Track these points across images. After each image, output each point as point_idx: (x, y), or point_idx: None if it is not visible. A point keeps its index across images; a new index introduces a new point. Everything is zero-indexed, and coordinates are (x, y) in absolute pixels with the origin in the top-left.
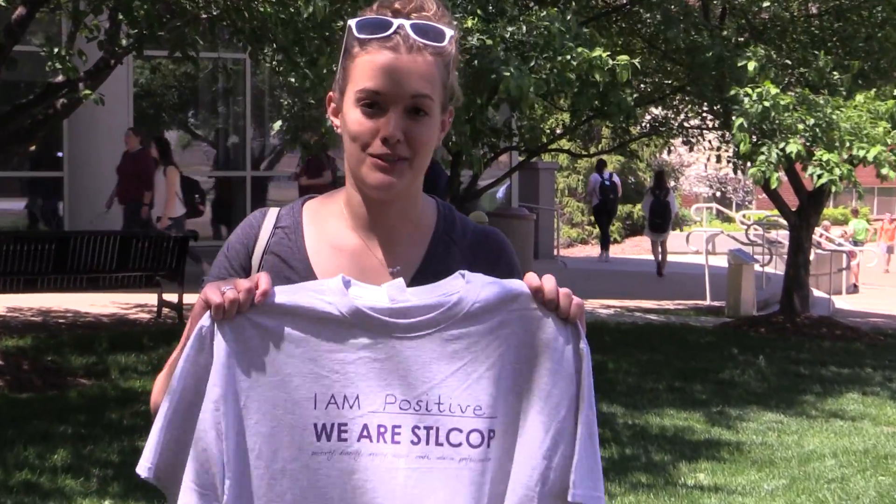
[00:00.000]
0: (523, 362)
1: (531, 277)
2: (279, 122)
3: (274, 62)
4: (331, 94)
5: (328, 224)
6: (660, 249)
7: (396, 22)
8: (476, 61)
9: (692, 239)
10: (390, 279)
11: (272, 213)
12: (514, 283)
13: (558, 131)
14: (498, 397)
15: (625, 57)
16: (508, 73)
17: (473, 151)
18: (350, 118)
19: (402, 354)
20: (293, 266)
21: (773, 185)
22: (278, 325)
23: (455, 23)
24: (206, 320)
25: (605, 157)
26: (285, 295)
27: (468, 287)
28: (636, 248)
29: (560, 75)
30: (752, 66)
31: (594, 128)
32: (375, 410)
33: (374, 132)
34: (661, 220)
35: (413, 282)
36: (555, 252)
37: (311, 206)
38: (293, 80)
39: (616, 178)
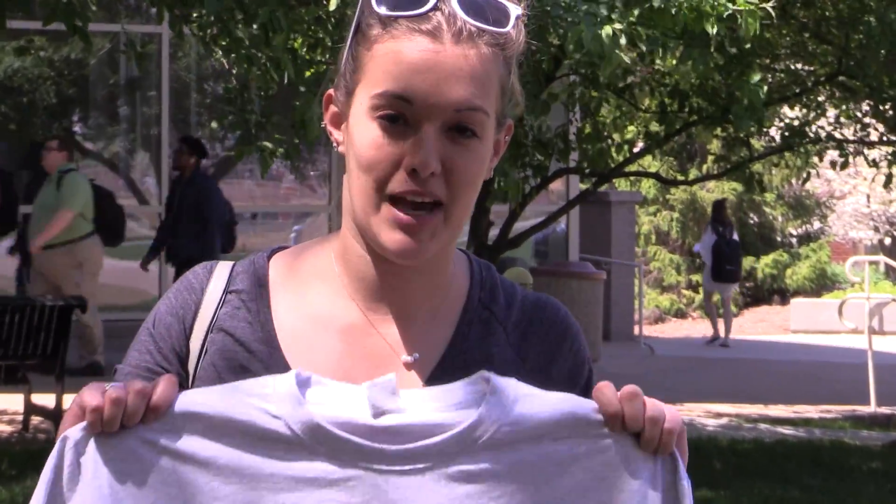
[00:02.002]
0: None
1: (605, 393)
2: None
3: (206, 33)
4: (330, 91)
5: (310, 288)
6: (721, 308)
7: None
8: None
9: (848, 310)
10: (401, 369)
11: (222, 269)
12: (568, 400)
13: (639, 146)
14: None
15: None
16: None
17: (511, 175)
18: (361, 135)
19: (385, 497)
20: (253, 350)
21: None
22: (195, 448)
23: None
24: (75, 432)
25: (713, 184)
26: (208, 400)
27: (493, 401)
28: (761, 324)
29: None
30: None
31: (694, 139)
32: None
33: (396, 160)
34: (732, 266)
35: (433, 378)
36: (636, 330)
37: (282, 260)
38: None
39: (736, 236)
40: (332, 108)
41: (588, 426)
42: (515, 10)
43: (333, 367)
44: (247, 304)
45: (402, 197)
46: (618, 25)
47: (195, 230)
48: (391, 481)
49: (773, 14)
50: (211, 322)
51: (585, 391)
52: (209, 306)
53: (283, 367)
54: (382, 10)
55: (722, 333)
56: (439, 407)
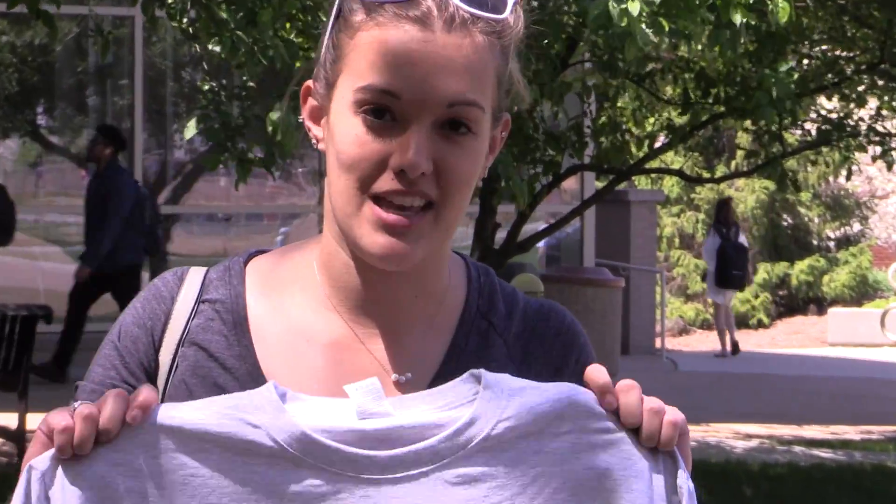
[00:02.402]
0: None
1: (595, 373)
2: (193, 123)
3: (183, 21)
4: (309, 83)
5: (291, 297)
6: (727, 315)
7: None
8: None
9: (891, 320)
10: (392, 388)
11: (194, 276)
12: (565, 389)
13: (661, 140)
14: None
15: None
16: None
17: (516, 178)
18: (343, 131)
19: None
20: (228, 367)
21: None
22: (170, 467)
23: None
24: (42, 462)
25: (742, 182)
26: (184, 414)
27: (487, 397)
28: (795, 336)
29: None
30: None
31: (722, 133)
32: None
33: (382, 158)
34: (739, 272)
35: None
36: (657, 343)
37: (259, 266)
38: (216, 48)
39: (743, 238)
40: (311, 102)
41: (588, 418)
42: None
43: (317, 385)
44: (221, 314)
45: (389, 199)
46: (645, 8)
47: (97, 230)
48: (384, 490)
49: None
50: (182, 334)
51: None
52: (180, 317)
53: (262, 385)
54: None
55: (728, 346)
56: (430, 409)
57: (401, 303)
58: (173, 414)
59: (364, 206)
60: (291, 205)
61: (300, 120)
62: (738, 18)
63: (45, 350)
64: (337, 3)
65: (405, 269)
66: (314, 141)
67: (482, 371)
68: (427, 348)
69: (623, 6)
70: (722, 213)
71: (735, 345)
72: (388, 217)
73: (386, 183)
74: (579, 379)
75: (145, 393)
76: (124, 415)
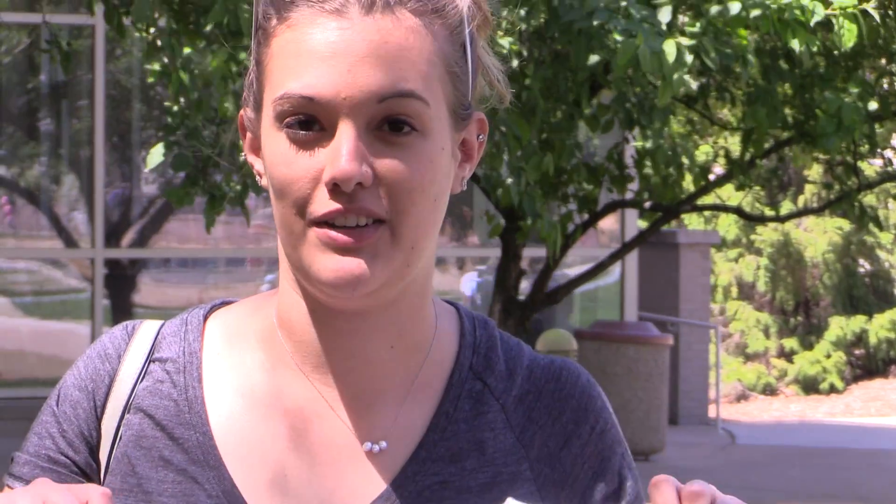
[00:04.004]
0: None
1: (661, 492)
2: (159, 149)
3: (149, 31)
4: (242, 112)
5: (251, 356)
6: None
7: None
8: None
9: None
10: (364, 462)
11: (146, 330)
12: None
13: (717, 170)
14: None
15: None
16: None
17: (546, 217)
18: (270, 152)
19: None
20: (177, 437)
21: None
22: None
23: None
24: None
25: (812, 222)
26: None
27: None
28: (873, 404)
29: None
30: None
31: (788, 163)
32: None
33: (313, 175)
34: None
35: (406, 473)
36: (711, 412)
37: (222, 320)
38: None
39: None
40: (248, 134)
41: None
42: None
43: (279, 458)
44: (172, 376)
45: (329, 220)
46: (684, 41)
47: None
48: None
49: (877, 15)
50: (128, 399)
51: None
52: (127, 379)
53: (214, 458)
54: None
55: None
56: None
57: (374, 357)
58: None
59: (307, 232)
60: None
61: (243, 156)
62: (795, 44)
63: None
64: (255, 18)
65: (369, 303)
66: (258, 177)
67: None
68: (408, 414)
69: (656, 48)
70: None
71: None
72: (335, 236)
73: (322, 204)
74: (595, 453)
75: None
76: None
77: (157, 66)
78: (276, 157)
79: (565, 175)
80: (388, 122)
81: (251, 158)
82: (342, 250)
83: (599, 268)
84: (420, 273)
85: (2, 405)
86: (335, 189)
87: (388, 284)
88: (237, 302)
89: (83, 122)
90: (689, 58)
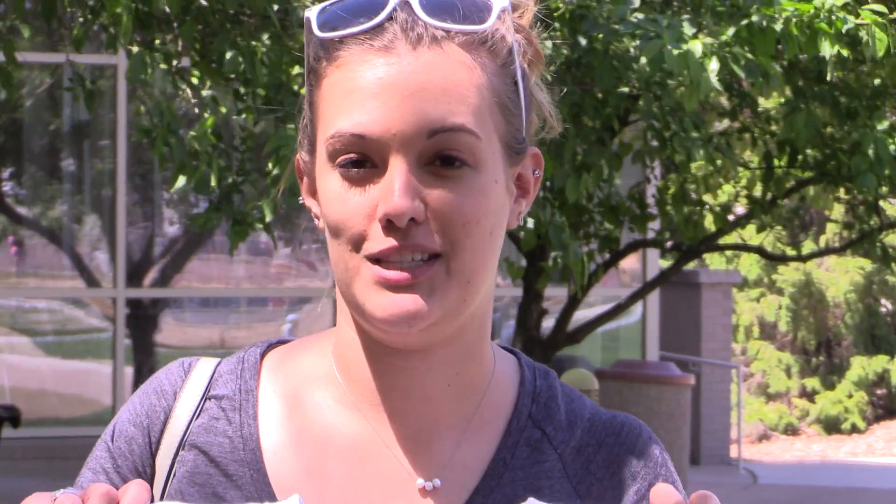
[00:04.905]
0: None
1: (662, 495)
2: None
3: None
4: (298, 156)
5: (308, 394)
6: None
7: None
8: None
9: None
10: (418, 499)
11: (203, 368)
12: None
13: (738, 210)
14: None
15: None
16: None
17: (572, 247)
18: (325, 191)
19: None
20: (231, 473)
21: None
22: None
23: None
24: None
25: (834, 261)
26: None
27: None
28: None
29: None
30: None
31: (808, 205)
32: None
33: (367, 213)
34: None
35: None
36: (733, 452)
37: (277, 358)
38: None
39: None
40: (305, 178)
41: None
42: (500, 3)
43: (333, 495)
44: (228, 413)
45: (384, 258)
46: (709, 40)
47: None
48: None
49: None
50: (183, 436)
51: None
52: (182, 415)
53: (268, 496)
54: (324, 34)
55: None
56: None
57: (431, 395)
58: None
59: (362, 269)
60: (301, 287)
61: (301, 200)
62: (826, 49)
63: (12, 459)
64: (306, 59)
65: (426, 339)
66: (315, 220)
67: None
68: (464, 454)
69: (683, 47)
70: None
71: None
72: (389, 274)
73: (377, 242)
74: None
75: (134, 492)
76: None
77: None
78: (329, 196)
79: (587, 214)
80: (440, 157)
81: (308, 202)
82: (396, 288)
83: (621, 307)
84: (478, 310)
85: (24, 444)
86: (389, 225)
87: (445, 320)
88: (294, 340)
89: (105, 161)
90: (714, 65)
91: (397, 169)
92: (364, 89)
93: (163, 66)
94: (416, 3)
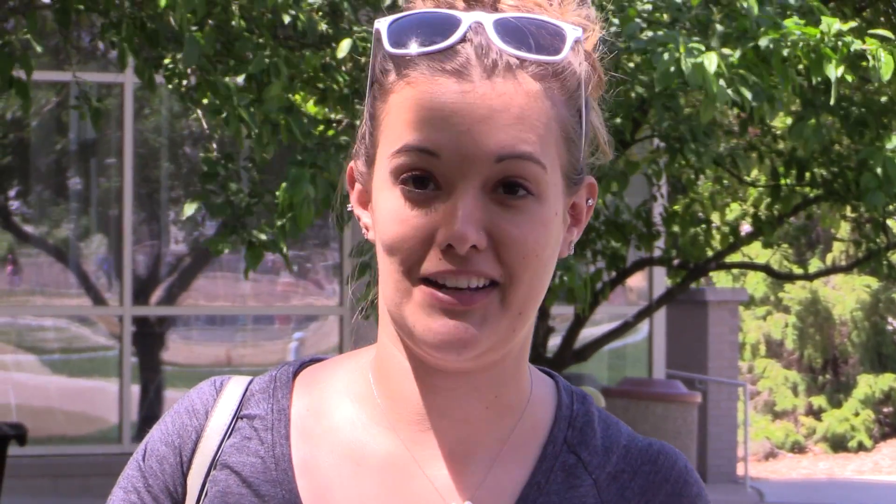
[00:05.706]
0: None
1: None
2: (193, 205)
3: (182, 83)
4: (352, 164)
5: (342, 412)
6: None
7: (468, 18)
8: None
9: None
10: None
11: (235, 387)
12: None
13: (746, 228)
14: None
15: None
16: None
17: (576, 269)
18: (383, 208)
19: None
20: (263, 494)
21: None
22: None
23: (592, 9)
24: None
25: (840, 280)
26: None
27: None
28: None
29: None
30: None
31: (816, 221)
32: None
33: (427, 235)
34: None
35: None
36: (740, 469)
37: (311, 376)
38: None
39: None
40: (357, 186)
41: None
42: (574, 33)
43: None
44: (260, 433)
45: (439, 280)
46: (726, 50)
47: None
48: None
49: None
50: (215, 456)
51: None
52: (214, 435)
53: None
54: (396, 50)
55: None
56: None
57: (469, 416)
58: None
59: (414, 291)
60: (308, 305)
61: (349, 208)
62: (831, 72)
63: (18, 477)
64: (370, 66)
65: (472, 365)
66: (364, 230)
67: None
68: (497, 477)
69: (697, 60)
70: None
71: None
72: (442, 297)
73: (434, 264)
74: None
75: None
76: None
77: (206, 100)
78: (388, 213)
79: (593, 233)
80: (504, 185)
81: (358, 211)
82: (449, 312)
83: (628, 325)
84: (520, 337)
85: (30, 462)
86: (448, 250)
87: (493, 349)
88: (328, 359)
89: (111, 180)
90: (724, 83)
91: (462, 194)
92: (436, 110)
93: (169, 86)
94: (489, 27)
